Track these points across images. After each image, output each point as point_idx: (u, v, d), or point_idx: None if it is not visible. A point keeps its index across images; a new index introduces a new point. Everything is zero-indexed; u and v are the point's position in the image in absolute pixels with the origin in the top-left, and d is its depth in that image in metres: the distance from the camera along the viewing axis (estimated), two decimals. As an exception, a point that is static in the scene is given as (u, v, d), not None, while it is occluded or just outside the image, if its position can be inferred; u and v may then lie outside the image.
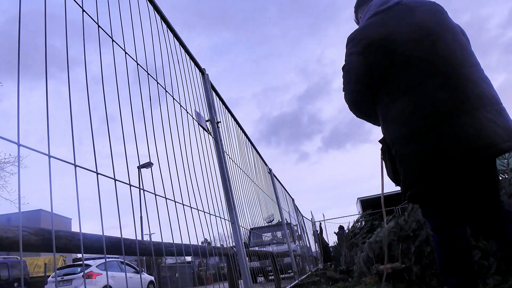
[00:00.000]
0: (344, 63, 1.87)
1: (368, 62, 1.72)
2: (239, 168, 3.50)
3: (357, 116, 1.98)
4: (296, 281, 4.83)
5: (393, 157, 1.75)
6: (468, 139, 1.48)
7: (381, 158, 1.94)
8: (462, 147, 1.48)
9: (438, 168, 1.53)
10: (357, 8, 2.07)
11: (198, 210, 1.98)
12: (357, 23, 2.11)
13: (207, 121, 2.75)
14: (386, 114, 1.72)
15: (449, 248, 1.64)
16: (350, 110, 1.96)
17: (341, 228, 14.19)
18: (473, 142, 1.47)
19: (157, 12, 2.07)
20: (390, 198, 10.71)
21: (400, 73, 1.64)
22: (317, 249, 14.10)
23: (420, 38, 1.63)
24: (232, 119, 3.72)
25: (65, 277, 9.93)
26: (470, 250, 1.65)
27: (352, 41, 1.79)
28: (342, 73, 1.90)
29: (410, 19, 1.69)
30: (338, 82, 2.19)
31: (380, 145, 1.91)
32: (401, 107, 1.63)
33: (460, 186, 1.66)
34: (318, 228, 14.62)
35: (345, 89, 1.90)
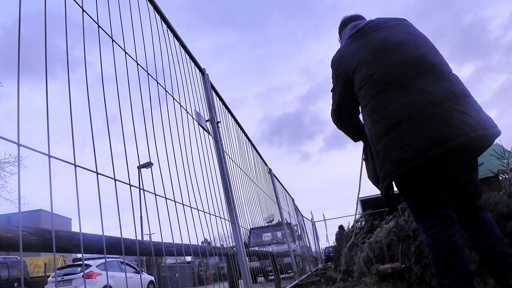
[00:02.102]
0: (332, 84, 2.08)
1: (346, 84, 1.94)
2: (239, 168, 3.50)
3: (339, 127, 2.17)
4: (296, 281, 4.83)
5: (372, 155, 1.86)
6: (437, 129, 1.56)
7: (362, 158, 2.10)
8: (432, 137, 1.56)
9: (410, 158, 1.60)
10: (340, 31, 2.27)
11: (198, 210, 1.98)
12: (340, 42, 2.30)
13: (207, 121, 2.75)
14: (367, 113, 1.84)
15: (441, 249, 1.65)
16: (334, 122, 2.16)
17: (341, 227, 14.13)
18: (442, 131, 1.55)
19: (157, 12, 2.07)
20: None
21: (375, 76, 1.78)
22: (317, 249, 14.10)
23: (389, 46, 1.81)
24: (232, 119, 3.72)
25: (65, 277, 9.93)
26: (461, 250, 1.64)
27: (336, 63, 2.02)
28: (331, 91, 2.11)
29: (379, 34, 1.89)
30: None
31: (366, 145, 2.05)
32: (377, 106, 1.76)
33: (436, 174, 1.71)
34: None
35: (332, 105, 2.11)
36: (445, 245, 1.64)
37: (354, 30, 2.01)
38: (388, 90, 1.72)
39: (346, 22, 2.19)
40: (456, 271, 1.61)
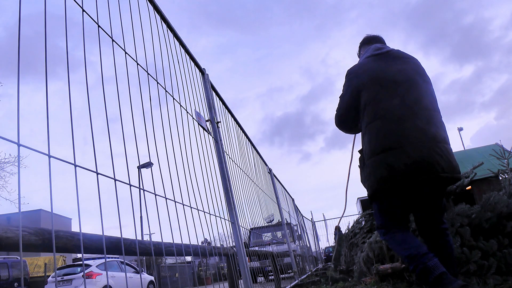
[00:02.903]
0: (342, 91, 2.35)
1: (358, 93, 2.21)
2: (239, 168, 3.50)
3: (341, 129, 2.48)
4: (296, 281, 4.83)
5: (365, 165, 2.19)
6: (416, 161, 1.93)
7: (351, 165, 2.54)
8: (409, 166, 1.94)
9: (391, 177, 1.99)
10: (361, 46, 2.59)
11: (198, 210, 1.98)
12: (358, 55, 2.63)
13: (207, 121, 2.75)
14: (365, 131, 2.17)
15: (400, 237, 2.07)
16: (337, 125, 2.47)
17: (338, 228, 14.05)
18: (419, 165, 1.93)
19: (157, 12, 2.07)
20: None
21: (381, 102, 2.10)
22: (317, 249, 14.08)
23: (400, 80, 2.13)
24: (232, 119, 3.72)
25: (65, 277, 9.93)
26: (414, 237, 2.07)
27: (350, 74, 2.30)
28: (339, 98, 2.40)
29: (396, 65, 2.21)
30: (341, 83, 2.41)
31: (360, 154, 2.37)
32: (375, 128, 2.09)
33: (408, 196, 2.09)
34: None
35: (337, 110, 2.40)
36: (402, 235, 2.06)
37: (378, 52, 2.30)
38: (388, 118, 2.04)
39: (369, 40, 2.52)
40: (418, 246, 1.96)
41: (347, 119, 2.36)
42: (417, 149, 1.94)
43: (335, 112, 2.42)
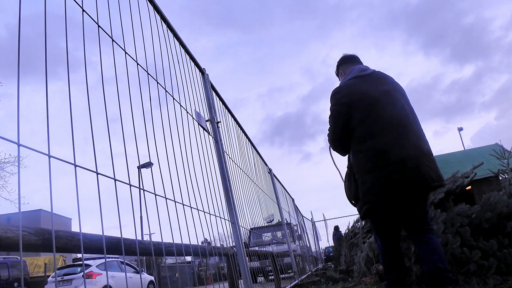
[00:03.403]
0: (330, 111, 2.44)
1: (348, 112, 2.32)
2: (239, 168, 3.50)
3: (338, 149, 2.52)
4: (296, 281, 4.83)
5: (356, 181, 2.34)
6: (411, 175, 2.13)
7: (344, 180, 2.58)
8: (406, 180, 2.13)
9: (388, 193, 2.17)
10: (340, 65, 2.69)
11: (198, 210, 1.98)
12: (337, 74, 2.76)
13: (207, 121, 2.75)
14: (356, 149, 2.30)
15: (390, 256, 2.32)
16: (330, 144, 2.54)
17: (336, 228, 14.00)
18: (413, 178, 2.13)
19: (157, 12, 2.07)
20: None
21: (370, 123, 2.24)
22: (317, 249, 14.07)
23: (386, 100, 2.28)
24: (232, 119, 3.72)
25: (65, 277, 9.92)
26: (403, 257, 2.36)
27: (337, 94, 2.40)
28: (329, 119, 2.50)
29: (381, 86, 2.35)
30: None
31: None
32: (367, 147, 2.23)
33: (401, 207, 2.28)
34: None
35: (329, 129, 2.48)
36: (392, 252, 2.30)
37: (363, 73, 2.43)
38: (381, 137, 2.20)
39: (348, 60, 2.63)
40: (398, 269, 2.27)
41: (343, 137, 2.40)
42: (411, 164, 2.13)
43: (329, 134, 2.49)
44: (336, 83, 2.72)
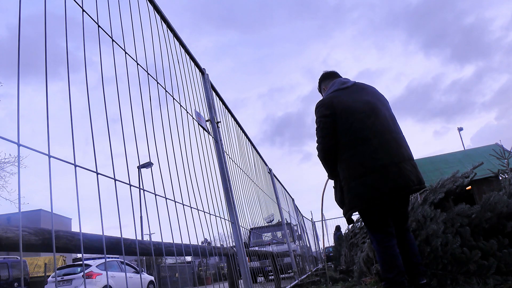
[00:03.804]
0: (316, 124, 2.55)
1: (333, 123, 2.44)
2: (239, 168, 3.50)
3: (327, 160, 2.56)
4: (296, 281, 4.83)
5: (341, 187, 2.47)
6: (394, 181, 2.27)
7: (329, 186, 2.74)
8: (390, 185, 2.26)
9: (372, 198, 2.30)
10: (321, 81, 2.86)
11: (198, 210, 1.98)
12: (319, 90, 2.93)
13: (207, 121, 2.75)
14: (341, 158, 2.43)
15: (386, 255, 2.36)
16: (319, 155, 2.58)
17: (337, 228, 14.02)
18: (397, 183, 2.27)
19: (157, 12, 2.07)
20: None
21: (354, 133, 2.36)
22: (317, 249, 14.06)
23: (368, 110, 2.41)
24: (232, 119, 3.72)
25: (65, 277, 9.92)
26: (399, 256, 2.38)
27: (321, 107, 2.52)
28: (316, 131, 2.59)
29: (363, 96, 2.50)
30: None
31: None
32: (351, 156, 2.36)
33: (385, 210, 2.41)
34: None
35: (318, 141, 2.55)
36: (389, 252, 2.33)
37: (345, 85, 2.58)
38: (366, 145, 2.32)
39: (329, 76, 2.79)
40: (396, 268, 2.29)
41: (331, 147, 2.46)
42: (394, 170, 2.28)
43: (318, 145, 2.54)
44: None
